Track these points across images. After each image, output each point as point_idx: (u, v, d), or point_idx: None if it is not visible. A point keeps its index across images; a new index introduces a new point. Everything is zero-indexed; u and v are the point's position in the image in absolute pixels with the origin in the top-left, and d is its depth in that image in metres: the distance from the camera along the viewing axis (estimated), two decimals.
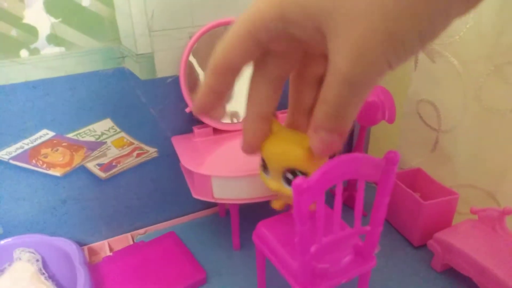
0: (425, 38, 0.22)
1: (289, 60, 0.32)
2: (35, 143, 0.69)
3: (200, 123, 0.79)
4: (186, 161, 0.70)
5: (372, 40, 0.22)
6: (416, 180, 0.84)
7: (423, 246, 0.76)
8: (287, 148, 0.40)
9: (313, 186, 0.45)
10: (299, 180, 0.45)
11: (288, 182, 0.43)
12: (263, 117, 0.36)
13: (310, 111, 0.36)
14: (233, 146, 0.75)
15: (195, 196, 0.70)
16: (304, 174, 0.42)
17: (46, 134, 0.69)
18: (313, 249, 0.51)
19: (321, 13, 0.23)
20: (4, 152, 0.68)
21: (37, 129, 0.68)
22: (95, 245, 0.80)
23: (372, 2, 0.21)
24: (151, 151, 0.80)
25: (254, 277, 0.70)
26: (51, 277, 0.70)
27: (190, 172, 0.69)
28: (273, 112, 0.36)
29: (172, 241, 0.80)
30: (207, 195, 0.68)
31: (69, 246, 0.70)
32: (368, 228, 0.53)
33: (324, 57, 0.29)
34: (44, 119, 0.68)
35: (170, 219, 0.89)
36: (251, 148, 0.38)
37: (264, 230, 0.61)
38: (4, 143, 0.67)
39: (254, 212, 0.72)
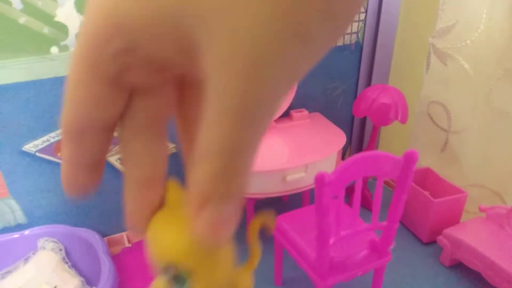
0: (339, 31, 0.15)
1: (161, 95, 0.21)
2: (60, 137, 0.72)
3: None
4: None
5: (266, 34, 0.14)
6: (425, 179, 0.86)
7: (431, 243, 0.79)
8: (167, 235, 0.31)
9: (334, 181, 0.48)
10: (321, 173, 0.48)
11: (176, 281, 0.35)
12: (147, 183, 0.22)
13: None
14: None
15: None
16: (188, 275, 0.33)
17: None
18: (331, 241, 0.53)
19: (182, 15, 0.15)
20: (31, 145, 0.70)
21: None
22: (115, 236, 0.83)
23: None
24: (170, 147, 0.83)
25: (270, 269, 0.73)
26: (74, 266, 0.73)
27: None
28: (163, 173, 0.22)
29: None
30: None
31: (92, 237, 0.73)
32: (385, 223, 0.56)
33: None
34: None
35: None
36: (133, 225, 0.22)
37: (283, 223, 0.64)
38: (32, 136, 0.70)
39: (269, 207, 0.74)
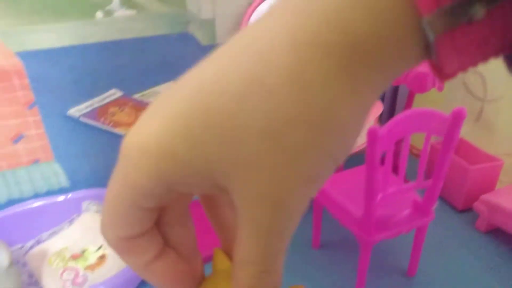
0: (341, 159, 0.18)
1: (185, 201, 0.23)
2: (103, 102, 0.73)
3: None
4: None
5: (290, 189, 0.18)
6: (459, 149, 0.87)
7: (467, 210, 0.80)
8: None
9: (384, 136, 0.49)
10: (373, 127, 0.49)
11: None
12: (185, 256, 0.26)
13: None
14: None
15: None
16: None
17: (114, 93, 0.73)
18: (379, 196, 0.54)
19: (215, 172, 0.18)
20: (75, 109, 0.72)
21: (107, 89, 0.73)
22: None
23: (270, 147, 0.17)
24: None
25: (308, 233, 0.74)
26: None
27: None
28: (195, 246, 0.27)
29: None
30: None
31: None
32: (430, 182, 0.57)
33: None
34: (113, 79, 0.72)
35: None
36: None
37: (323, 186, 0.65)
38: (76, 101, 0.72)
39: None
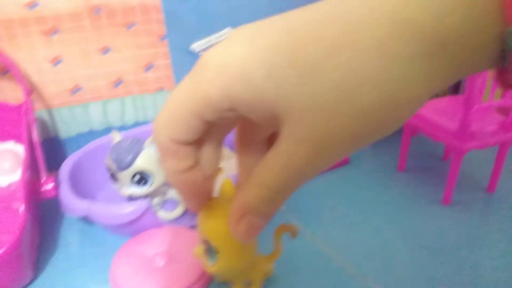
0: (387, 134, 0.21)
1: (230, 125, 0.29)
2: (219, 39, 0.85)
3: None
4: None
5: (335, 138, 0.20)
6: None
7: None
8: (209, 220, 0.35)
9: None
10: None
11: (209, 252, 0.38)
12: (210, 176, 0.31)
13: None
14: None
15: None
16: (216, 251, 0.37)
17: (228, 32, 0.84)
18: (474, 109, 0.64)
19: (279, 102, 0.20)
20: (196, 44, 0.84)
21: (223, 27, 0.84)
22: None
23: (341, 101, 0.19)
24: None
25: (394, 157, 0.84)
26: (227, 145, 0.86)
27: None
28: (215, 172, 0.31)
29: None
30: None
31: None
32: None
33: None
34: (229, 19, 0.83)
35: None
36: (188, 204, 0.32)
37: None
38: (197, 37, 0.83)
39: None
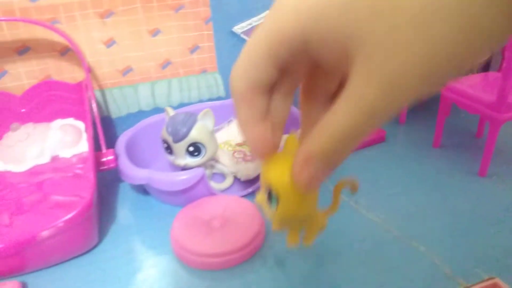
0: (462, 73, 0.21)
1: (301, 74, 0.29)
2: (260, 21, 0.89)
3: None
4: None
5: (408, 74, 0.20)
6: None
7: None
8: (273, 168, 0.36)
9: None
10: None
11: (270, 199, 0.40)
12: (278, 125, 0.32)
13: None
14: None
15: None
16: (277, 198, 0.38)
17: None
18: (510, 82, 0.66)
19: (352, 37, 0.20)
20: (238, 26, 0.88)
21: (263, 10, 0.88)
22: None
23: (417, 35, 0.19)
24: None
25: (429, 134, 0.87)
26: None
27: None
28: (285, 122, 0.32)
29: None
30: None
31: None
32: None
33: (334, 74, 0.28)
34: (269, 1, 0.87)
35: None
36: (256, 153, 0.32)
37: (454, 84, 0.77)
38: (239, 19, 0.87)
39: None
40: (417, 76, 0.20)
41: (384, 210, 0.66)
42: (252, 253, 0.58)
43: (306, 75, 0.29)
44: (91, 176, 0.61)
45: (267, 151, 0.32)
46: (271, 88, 0.28)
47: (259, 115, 0.28)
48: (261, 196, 0.44)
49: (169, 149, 0.70)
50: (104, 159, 0.68)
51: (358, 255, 0.57)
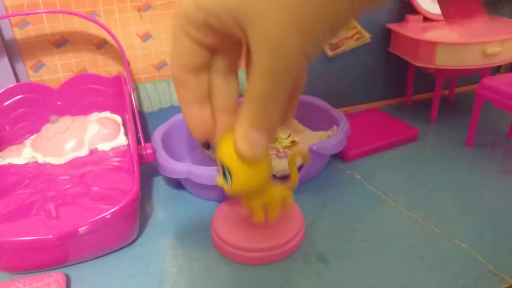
0: (336, 30, 0.24)
1: (233, 52, 0.32)
2: None
3: (413, 12, 0.95)
4: (412, 33, 0.87)
5: (286, 34, 0.22)
6: None
7: None
8: (223, 146, 0.38)
9: None
10: None
11: (224, 176, 0.42)
12: (225, 109, 0.35)
13: None
14: (440, 32, 0.90)
15: (417, 64, 0.87)
16: (230, 172, 0.39)
17: None
18: None
19: (238, 7, 0.23)
20: None
21: None
22: None
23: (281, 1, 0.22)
24: (367, 36, 0.97)
25: (463, 132, 0.86)
26: None
27: (415, 42, 0.86)
28: (236, 104, 0.34)
29: (379, 112, 0.98)
30: (430, 62, 0.85)
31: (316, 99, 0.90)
32: None
33: None
34: None
35: (365, 103, 1.07)
36: (193, 134, 0.37)
37: (488, 82, 0.77)
38: None
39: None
40: (294, 30, 0.22)
41: (422, 207, 0.66)
42: (294, 248, 0.58)
43: (238, 55, 0.32)
44: (134, 169, 0.61)
45: (205, 132, 0.35)
46: (206, 69, 0.31)
47: (195, 97, 0.31)
48: (219, 177, 0.45)
49: (205, 144, 0.70)
50: (143, 153, 0.69)
51: (400, 252, 0.57)
